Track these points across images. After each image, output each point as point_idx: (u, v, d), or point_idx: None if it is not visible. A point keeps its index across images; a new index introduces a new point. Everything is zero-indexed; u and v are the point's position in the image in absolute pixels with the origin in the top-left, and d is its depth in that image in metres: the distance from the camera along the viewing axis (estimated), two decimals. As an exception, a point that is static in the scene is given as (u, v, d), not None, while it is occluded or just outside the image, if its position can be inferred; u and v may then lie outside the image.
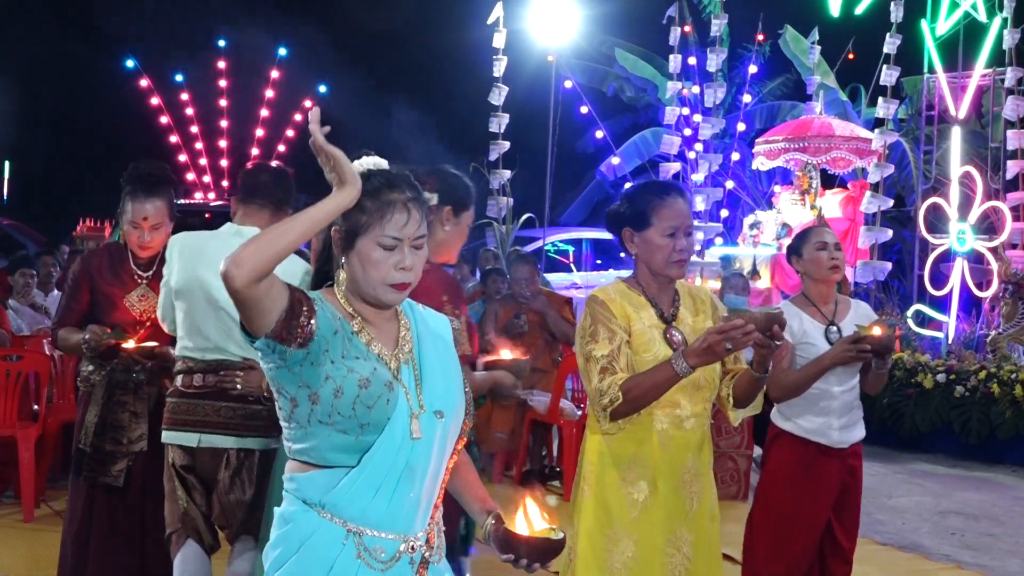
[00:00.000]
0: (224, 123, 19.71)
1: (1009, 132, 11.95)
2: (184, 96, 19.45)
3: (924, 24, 12.35)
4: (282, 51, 20.04)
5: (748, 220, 13.62)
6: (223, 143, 19.58)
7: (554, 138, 13.67)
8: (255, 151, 19.33)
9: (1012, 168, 12.01)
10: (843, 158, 12.90)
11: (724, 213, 15.06)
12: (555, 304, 7.59)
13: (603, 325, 3.01)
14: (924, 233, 11.36)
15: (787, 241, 12.26)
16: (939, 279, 11.23)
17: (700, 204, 13.63)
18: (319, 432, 2.09)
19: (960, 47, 12.43)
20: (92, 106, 23.57)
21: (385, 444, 2.09)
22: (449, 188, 3.38)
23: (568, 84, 15.76)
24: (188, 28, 20.41)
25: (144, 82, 18.93)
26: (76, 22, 20.03)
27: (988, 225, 11.30)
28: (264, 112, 19.84)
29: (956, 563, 5.97)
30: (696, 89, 15.14)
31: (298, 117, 19.99)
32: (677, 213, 3.06)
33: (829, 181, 14.52)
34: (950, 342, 10.71)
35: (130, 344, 4.01)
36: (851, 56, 16.49)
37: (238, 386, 3.68)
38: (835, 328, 3.98)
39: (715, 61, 14.05)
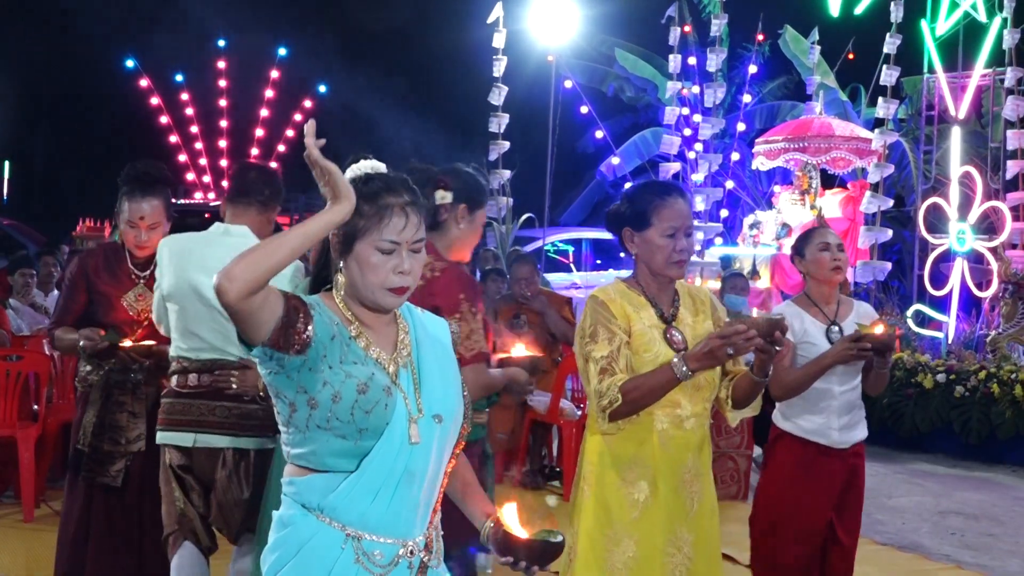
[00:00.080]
0: (224, 123, 19.72)
1: (1009, 132, 11.94)
2: (184, 96, 19.46)
3: (924, 24, 12.35)
4: (282, 51, 20.06)
5: (748, 220, 13.62)
6: (223, 143, 19.59)
7: (554, 138, 13.67)
8: (255, 151, 19.33)
9: (1012, 168, 12.00)
10: (843, 158, 12.90)
11: (724, 213, 15.07)
12: (555, 304, 7.58)
13: (603, 326, 3.01)
14: (924, 233, 11.36)
15: (787, 241, 12.38)
16: (939, 279, 11.23)
17: (700, 204, 13.63)
18: (318, 437, 2.09)
19: (960, 47, 12.43)
20: (92, 106, 23.59)
21: (384, 449, 2.09)
22: (463, 186, 3.39)
23: (568, 84, 15.77)
24: (188, 28, 20.41)
25: (144, 82, 18.94)
26: (76, 22, 20.02)
27: (988, 225, 11.30)
28: (264, 112, 19.85)
29: (956, 563, 5.97)
30: (696, 89, 15.14)
31: (298, 117, 20.00)
32: (677, 213, 3.06)
33: (829, 181, 14.52)
34: (950, 342, 10.71)
35: (128, 343, 4.01)
36: (851, 56, 16.49)
37: (233, 385, 3.67)
38: (836, 328, 3.99)
39: (715, 61, 14.05)
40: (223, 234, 3.75)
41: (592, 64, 18.02)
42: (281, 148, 19.80)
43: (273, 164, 18.95)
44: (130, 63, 19.11)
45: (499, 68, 12.91)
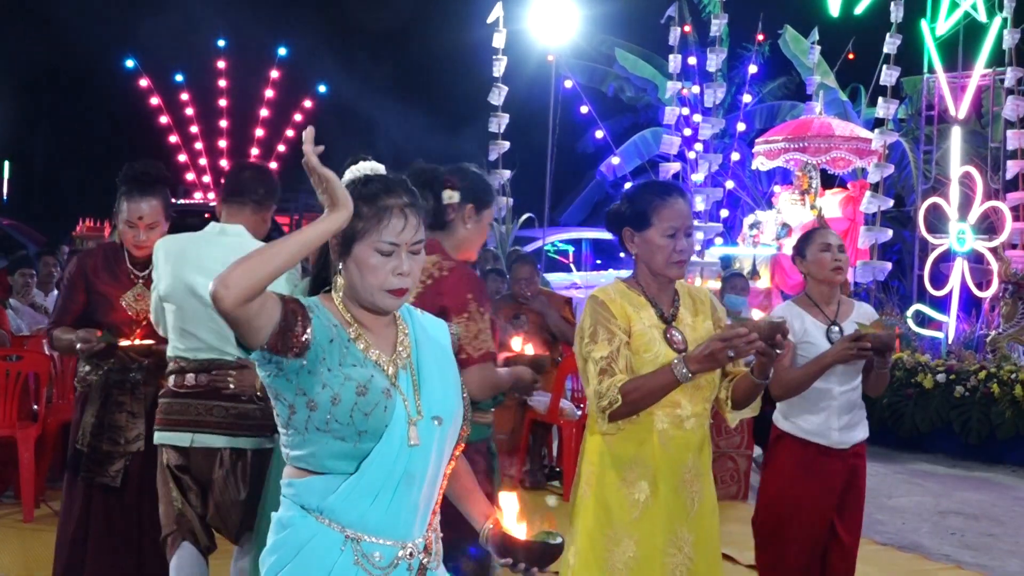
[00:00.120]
0: (224, 123, 19.72)
1: (1009, 132, 11.94)
2: (184, 96, 19.45)
3: (924, 24, 12.35)
4: (282, 51, 20.05)
5: (748, 220, 13.62)
6: (223, 143, 19.59)
7: (554, 138, 13.67)
8: (255, 151, 19.33)
9: (1012, 168, 12.00)
10: (843, 158, 12.90)
11: (724, 213, 15.06)
12: (555, 304, 7.58)
13: (602, 326, 3.01)
14: (924, 233, 11.36)
15: (787, 241, 12.38)
16: (939, 279, 11.23)
17: (700, 204, 13.63)
18: (317, 439, 2.08)
19: (960, 47, 12.43)
20: (92, 106, 23.60)
21: (383, 451, 2.09)
22: (471, 186, 3.38)
23: (568, 84, 15.76)
24: (188, 28, 20.41)
25: (144, 82, 18.94)
26: (76, 22, 20.02)
27: (988, 225, 11.30)
28: (264, 112, 19.85)
29: (956, 563, 5.97)
30: (696, 89, 15.14)
31: (298, 117, 20.01)
32: (678, 214, 3.07)
33: (829, 181, 14.52)
34: (950, 342, 10.71)
35: (128, 342, 4.01)
36: (851, 56, 16.49)
37: (231, 385, 3.67)
38: (836, 328, 3.99)
39: (715, 61, 14.05)
40: (219, 234, 3.75)
41: (592, 64, 18.03)
42: (281, 148, 19.80)
43: (273, 164, 18.97)
44: (130, 63, 19.11)
45: (499, 68, 12.91)
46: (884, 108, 11.96)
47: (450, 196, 3.32)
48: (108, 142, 21.46)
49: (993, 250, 10.75)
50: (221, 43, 19.78)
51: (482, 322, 3.19)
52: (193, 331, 3.67)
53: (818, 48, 15.06)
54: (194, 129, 19.56)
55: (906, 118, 15.22)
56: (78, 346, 4.05)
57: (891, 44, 12.06)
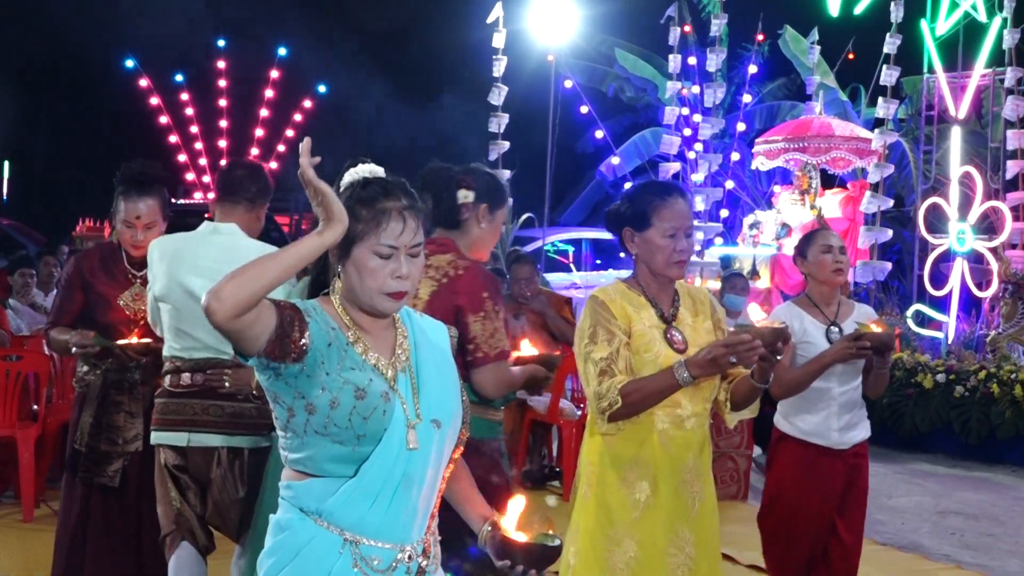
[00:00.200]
0: (224, 123, 19.71)
1: (1009, 132, 11.94)
2: (184, 96, 19.45)
3: (924, 24, 12.35)
4: (282, 51, 20.05)
5: (748, 220, 13.62)
6: (223, 143, 19.58)
7: (554, 138, 13.66)
8: (255, 151, 19.32)
9: (1012, 168, 12.00)
10: (843, 158, 12.90)
11: (724, 213, 15.06)
12: (555, 304, 7.58)
13: (602, 327, 3.01)
14: (924, 233, 11.36)
15: (787, 241, 12.39)
16: (939, 279, 11.23)
17: (700, 204, 13.62)
18: (315, 442, 2.08)
19: (960, 47, 12.43)
20: (92, 106, 23.59)
21: (382, 454, 2.08)
22: (484, 186, 3.39)
23: (568, 84, 15.76)
24: (188, 28, 20.41)
25: (144, 82, 18.93)
26: (76, 22, 20.02)
27: (988, 225, 11.30)
28: (264, 112, 19.84)
29: (956, 563, 5.97)
30: (696, 89, 15.13)
31: (298, 117, 20.01)
32: (678, 214, 3.07)
33: (829, 181, 14.52)
34: (950, 342, 10.71)
35: (126, 341, 4.00)
36: (851, 56, 16.49)
37: (227, 384, 3.67)
38: (836, 328, 4.01)
39: (715, 61, 14.04)
40: (212, 232, 3.75)
41: (592, 64, 18.02)
42: (281, 148, 19.79)
43: (273, 164, 18.97)
44: (130, 63, 19.10)
45: (499, 68, 12.90)
46: (884, 108, 11.96)
47: (465, 195, 3.34)
48: (108, 142, 21.44)
49: (993, 250, 10.76)
50: (221, 43, 19.78)
51: (497, 321, 3.20)
52: (188, 330, 3.66)
53: (818, 48, 15.06)
54: (194, 129, 19.55)
55: (906, 118, 15.22)
56: (73, 350, 4.06)
57: (891, 44, 12.06)
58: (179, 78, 19.46)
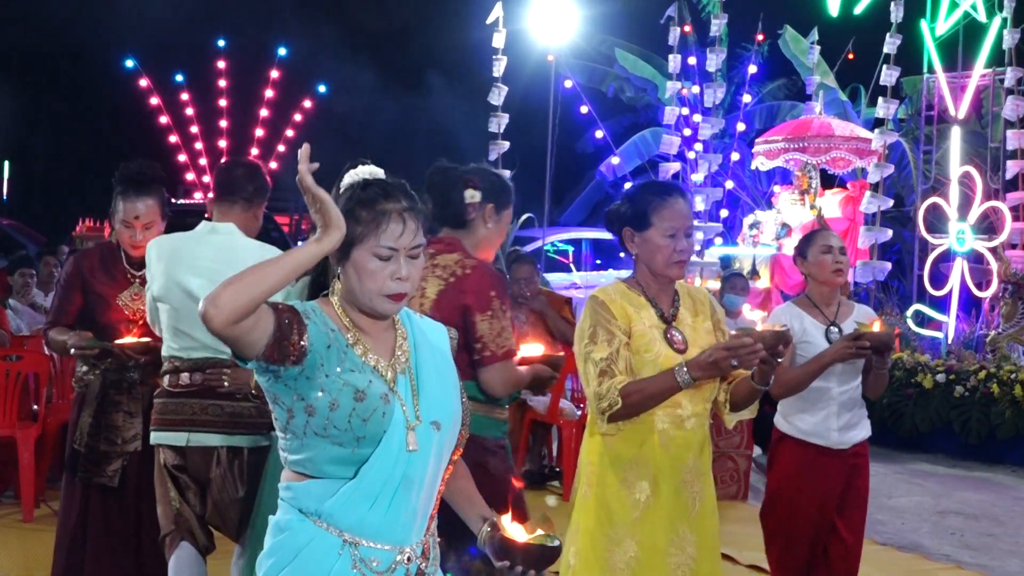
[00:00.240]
0: (224, 123, 19.70)
1: (1009, 132, 11.94)
2: (184, 96, 19.44)
3: (924, 24, 12.35)
4: (282, 51, 20.05)
5: (748, 220, 13.62)
6: (223, 143, 19.58)
7: (554, 138, 13.66)
8: (255, 151, 19.32)
9: (1012, 168, 12.00)
10: (843, 158, 12.90)
11: (724, 213, 15.06)
12: (555, 304, 7.58)
13: (602, 327, 3.01)
14: (924, 233, 11.36)
15: (786, 241, 12.38)
16: (939, 279, 11.23)
17: (700, 204, 13.62)
18: (315, 444, 2.08)
19: (960, 47, 12.43)
20: (92, 106, 23.60)
21: (381, 456, 2.08)
22: (491, 186, 3.41)
23: (568, 84, 15.76)
24: (188, 28, 20.41)
25: (144, 82, 18.93)
26: (76, 22, 20.03)
27: (988, 225, 11.30)
28: (264, 112, 19.84)
29: (956, 563, 5.97)
30: (696, 89, 15.13)
31: (298, 117, 20.01)
32: (678, 214, 3.07)
33: (829, 181, 14.52)
34: (950, 342, 10.71)
35: (126, 340, 4.01)
36: (851, 56, 16.49)
37: (225, 383, 3.67)
38: (835, 328, 4.02)
39: (715, 61, 14.04)
40: (209, 232, 3.75)
41: (592, 64, 18.02)
42: (281, 148, 19.79)
43: (273, 164, 18.97)
44: (130, 63, 19.10)
45: (499, 68, 12.90)
46: (884, 108, 11.95)
47: (471, 195, 3.36)
48: (108, 142, 21.44)
49: (993, 250, 10.76)
50: (221, 43, 19.77)
51: (505, 320, 3.22)
52: (187, 330, 3.67)
53: (818, 48, 15.06)
54: (194, 129, 19.54)
55: (906, 118, 15.22)
56: (71, 352, 4.06)
57: (891, 44, 12.06)
58: (179, 78, 19.45)
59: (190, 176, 19.35)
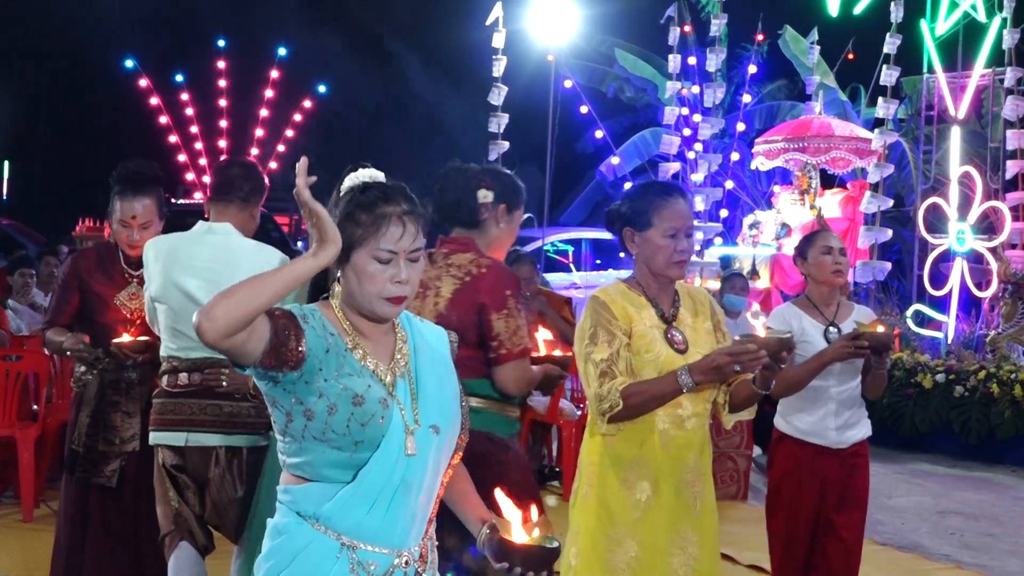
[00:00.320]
0: (224, 123, 19.70)
1: (1008, 132, 11.94)
2: (184, 96, 19.44)
3: (924, 24, 12.35)
4: (282, 51, 20.04)
5: (747, 220, 13.61)
6: (223, 143, 19.57)
7: (554, 138, 13.66)
8: (255, 151, 19.32)
9: (1011, 168, 12.00)
10: (843, 158, 12.90)
11: (724, 213, 15.06)
12: (554, 304, 7.57)
13: (603, 327, 3.01)
14: (924, 233, 11.36)
15: (786, 241, 12.38)
16: (938, 279, 11.23)
17: (700, 204, 13.62)
18: (313, 448, 2.08)
19: (960, 47, 12.43)
20: (92, 106, 23.59)
21: (380, 460, 2.08)
22: (503, 187, 3.44)
23: (568, 84, 15.75)
24: (188, 28, 20.40)
25: (144, 82, 18.93)
26: (76, 22, 20.03)
27: (987, 225, 11.31)
28: (264, 112, 19.84)
29: (956, 563, 5.98)
30: (696, 89, 15.13)
31: (298, 117, 20.00)
32: (678, 214, 3.07)
33: (828, 181, 14.52)
34: (950, 342, 10.71)
35: (124, 338, 4.01)
36: (851, 56, 16.48)
37: (224, 383, 3.67)
38: (834, 329, 4.03)
39: (714, 61, 14.04)
40: (206, 232, 3.76)
41: (592, 64, 18.01)
42: (281, 148, 19.78)
43: (273, 164, 18.97)
44: (130, 63, 19.09)
45: (499, 68, 12.90)
46: (884, 108, 11.95)
47: (484, 196, 3.39)
48: (108, 142, 21.43)
49: (993, 250, 10.76)
50: (221, 43, 19.77)
51: (520, 318, 3.25)
52: (185, 330, 3.66)
53: (817, 48, 15.05)
54: (194, 129, 19.53)
55: (906, 118, 15.22)
56: (67, 354, 4.07)
57: (891, 44, 12.06)
58: (179, 78, 19.45)
59: (190, 176, 19.34)
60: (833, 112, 14.85)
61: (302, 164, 2.03)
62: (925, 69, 12.66)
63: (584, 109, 16.34)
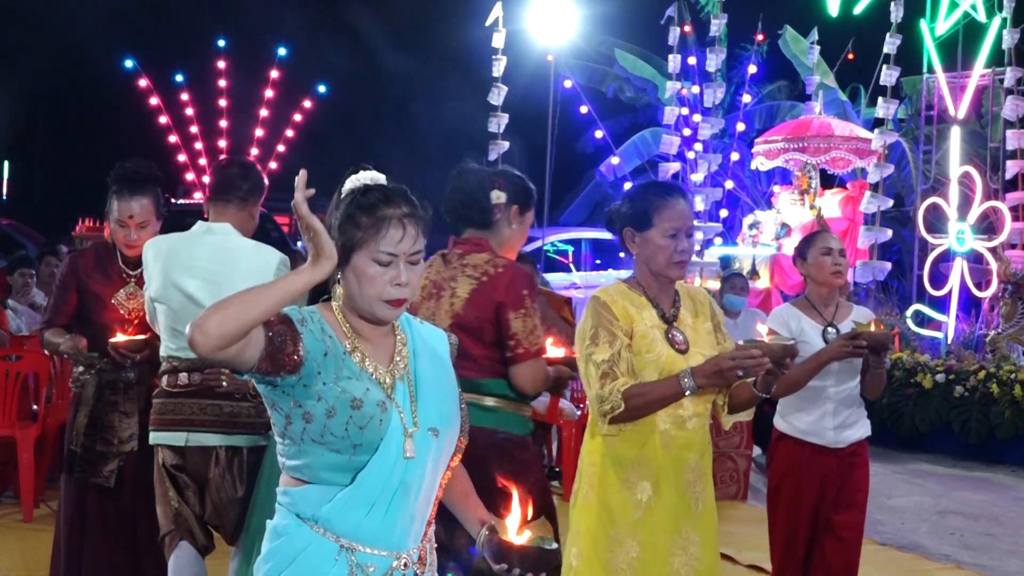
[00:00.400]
0: (224, 123, 19.69)
1: (1008, 132, 11.95)
2: (184, 96, 19.43)
3: (924, 24, 12.35)
4: (282, 51, 20.04)
5: (747, 220, 13.62)
6: (223, 143, 19.57)
7: (554, 138, 13.66)
8: (255, 151, 19.32)
9: (1011, 168, 12.01)
10: (842, 158, 12.91)
11: (723, 213, 15.07)
12: (554, 304, 7.56)
13: (604, 328, 3.01)
14: (923, 233, 11.36)
15: (786, 241, 12.39)
16: (938, 279, 11.23)
17: (699, 204, 13.63)
18: (312, 450, 2.08)
19: (959, 47, 12.43)
20: (92, 106, 23.59)
21: (379, 463, 2.08)
22: (515, 188, 3.48)
23: (568, 84, 15.76)
24: (188, 28, 20.39)
25: (144, 82, 18.92)
26: (76, 22, 20.02)
27: (987, 225, 11.31)
28: (264, 112, 19.83)
29: (955, 563, 5.98)
30: (696, 89, 15.13)
31: (298, 117, 20.00)
32: (679, 214, 3.07)
33: (828, 181, 14.52)
34: (949, 342, 10.71)
35: (120, 338, 4.01)
36: (851, 56, 16.49)
37: (223, 383, 3.67)
38: (832, 329, 4.05)
39: (714, 61, 14.05)
40: (205, 232, 3.76)
41: (592, 64, 18.02)
42: (281, 148, 19.78)
43: (273, 164, 18.96)
44: (130, 63, 19.09)
45: (499, 68, 12.90)
46: (884, 108, 11.96)
47: (498, 196, 3.43)
48: (108, 142, 21.42)
49: (992, 250, 10.76)
50: (221, 43, 19.76)
51: (536, 318, 3.29)
52: (184, 331, 3.66)
53: (817, 48, 15.06)
54: (194, 129, 19.52)
55: (906, 118, 15.22)
56: (64, 355, 4.07)
57: (891, 44, 12.07)
58: (179, 78, 19.44)
59: (190, 176, 19.33)
60: (833, 112, 14.85)
61: (301, 178, 2.03)
62: (925, 69, 12.67)
63: (584, 109, 16.34)
